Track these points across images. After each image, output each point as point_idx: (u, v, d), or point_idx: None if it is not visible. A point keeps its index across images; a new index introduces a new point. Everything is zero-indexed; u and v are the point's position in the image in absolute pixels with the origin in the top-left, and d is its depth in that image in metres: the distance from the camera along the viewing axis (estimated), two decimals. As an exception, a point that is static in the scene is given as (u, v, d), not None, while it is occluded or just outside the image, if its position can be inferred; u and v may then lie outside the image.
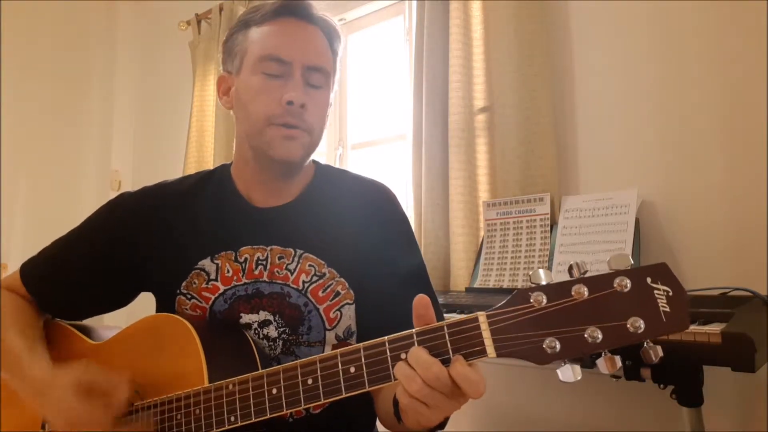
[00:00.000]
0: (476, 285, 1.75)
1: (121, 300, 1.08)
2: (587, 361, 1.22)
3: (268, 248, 0.97)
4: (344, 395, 0.70)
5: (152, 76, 3.37)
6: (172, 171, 2.88)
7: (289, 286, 0.96)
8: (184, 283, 0.98)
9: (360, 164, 2.54)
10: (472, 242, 1.87)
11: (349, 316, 0.97)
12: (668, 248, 1.57)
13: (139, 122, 3.40)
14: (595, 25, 1.79)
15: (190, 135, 2.84)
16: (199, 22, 2.96)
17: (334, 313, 0.96)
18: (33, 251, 1.09)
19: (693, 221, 1.57)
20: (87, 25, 3.29)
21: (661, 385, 1.21)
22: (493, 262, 1.76)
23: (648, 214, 1.62)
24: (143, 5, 3.42)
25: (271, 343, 0.95)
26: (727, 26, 1.55)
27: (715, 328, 1.03)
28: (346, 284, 0.97)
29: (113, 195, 1.08)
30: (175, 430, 0.83)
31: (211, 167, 1.12)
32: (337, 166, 2.52)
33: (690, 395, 1.21)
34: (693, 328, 1.05)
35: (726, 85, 1.55)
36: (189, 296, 0.98)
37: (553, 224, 1.69)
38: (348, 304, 0.97)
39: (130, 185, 3.30)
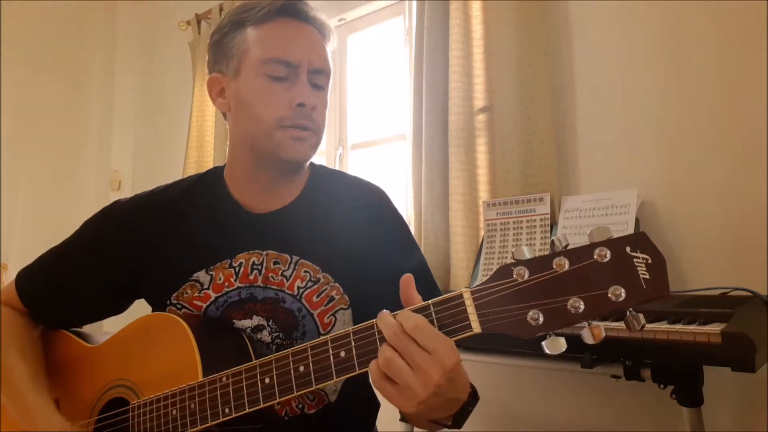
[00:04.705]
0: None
1: (117, 307, 1.07)
2: (587, 362, 1.22)
3: (264, 253, 0.97)
4: (335, 379, 0.71)
5: (152, 76, 3.37)
6: (172, 171, 2.88)
7: (284, 291, 0.95)
8: (175, 294, 0.97)
9: (360, 164, 2.54)
10: (472, 242, 1.87)
11: (343, 321, 0.96)
12: (668, 248, 1.57)
13: (139, 122, 3.40)
14: (595, 25, 1.79)
15: (190, 135, 2.84)
16: (199, 22, 2.97)
17: (328, 318, 0.95)
18: (33, 251, 1.09)
19: (693, 221, 1.57)
20: (87, 25, 3.29)
21: (661, 385, 1.21)
22: (493, 262, 1.75)
23: (648, 214, 1.62)
24: (143, 5, 3.42)
25: (264, 348, 0.94)
26: (727, 26, 1.55)
27: (715, 328, 1.02)
28: (341, 289, 0.96)
29: (113, 195, 1.08)
30: (171, 425, 0.83)
31: (211, 167, 1.11)
32: (337, 166, 2.52)
33: (690, 395, 1.21)
34: (693, 328, 1.05)
35: (726, 85, 1.55)
36: (179, 306, 0.97)
37: (553, 224, 1.69)
38: (342, 309, 0.96)
39: (130, 185, 3.30)
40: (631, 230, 1.51)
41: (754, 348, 0.95)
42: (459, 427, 0.74)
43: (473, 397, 0.73)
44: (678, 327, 1.06)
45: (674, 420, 1.36)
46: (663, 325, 1.08)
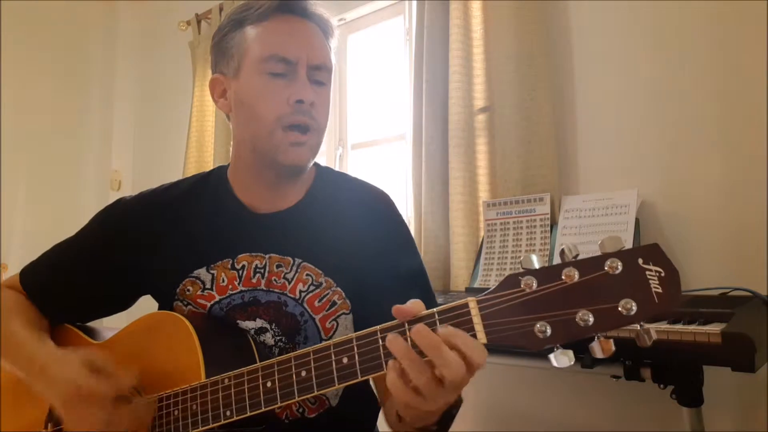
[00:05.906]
0: (476, 285, 1.75)
1: (122, 304, 1.07)
2: (587, 362, 1.22)
3: (267, 256, 0.96)
4: (337, 386, 0.70)
5: (152, 76, 3.37)
6: (172, 171, 2.88)
7: (286, 295, 0.95)
8: (177, 290, 0.97)
9: (360, 164, 2.54)
10: (472, 242, 1.87)
11: (345, 326, 0.96)
12: (668, 248, 1.56)
13: (139, 122, 3.40)
14: (595, 25, 1.79)
15: (190, 135, 2.84)
16: (199, 22, 2.97)
17: (330, 323, 0.95)
18: (33, 251, 1.09)
19: (693, 221, 1.57)
20: (87, 25, 3.29)
21: (661, 385, 1.21)
22: (493, 262, 1.76)
23: (648, 214, 1.62)
24: (143, 5, 3.41)
25: (267, 351, 0.94)
26: (727, 26, 1.55)
27: (715, 328, 1.03)
28: (343, 294, 0.95)
29: (113, 195, 1.08)
30: (172, 425, 0.83)
31: (211, 167, 1.11)
32: (337, 166, 2.52)
33: (690, 395, 1.21)
34: (693, 328, 1.05)
35: (726, 86, 1.55)
36: (185, 303, 0.97)
37: (553, 224, 1.69)
38: (344, 314, 0.96)
39: (130, 185, 3.30)
40: (631, 230, 1.51)
41: (754, 348, 0.95)
42: (445, 430, 0.74)
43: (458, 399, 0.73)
44: (678, 327, 1.06)
45: (674, 420, 1.36)
46: (663, 325, 1.08)
